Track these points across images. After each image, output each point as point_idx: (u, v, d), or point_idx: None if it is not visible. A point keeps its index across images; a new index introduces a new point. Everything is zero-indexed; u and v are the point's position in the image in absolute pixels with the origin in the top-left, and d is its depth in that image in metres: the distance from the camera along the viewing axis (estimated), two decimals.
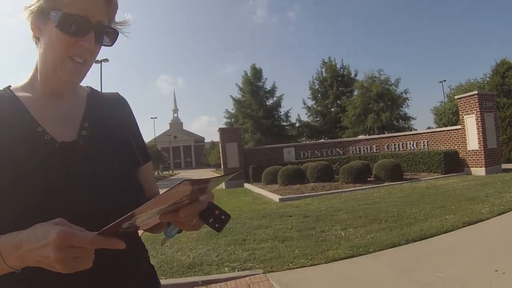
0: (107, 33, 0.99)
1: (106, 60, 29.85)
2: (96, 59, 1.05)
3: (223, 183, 18.55)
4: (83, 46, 0.92)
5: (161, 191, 0.74)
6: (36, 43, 0.98)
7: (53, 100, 0.99)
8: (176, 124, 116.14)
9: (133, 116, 1.17)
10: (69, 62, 0.93)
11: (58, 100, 1.00)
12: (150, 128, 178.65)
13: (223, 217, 0.85)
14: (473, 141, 14.36)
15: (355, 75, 36.84)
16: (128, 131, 1.10)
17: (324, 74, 37.70)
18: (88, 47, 0.92)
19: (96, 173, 0.91)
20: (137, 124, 1.17)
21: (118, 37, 1.03)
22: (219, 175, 0.86)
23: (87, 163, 0.91)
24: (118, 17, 1.05)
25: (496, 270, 3.98)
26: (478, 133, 14.11)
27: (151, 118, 74.56)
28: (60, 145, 0.90)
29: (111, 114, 1.08)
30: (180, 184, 0.68)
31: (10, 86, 1.01)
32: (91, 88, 1.13)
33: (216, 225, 0.84)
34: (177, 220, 0.83)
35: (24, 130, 0.90)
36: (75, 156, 0.91)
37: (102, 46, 1.01)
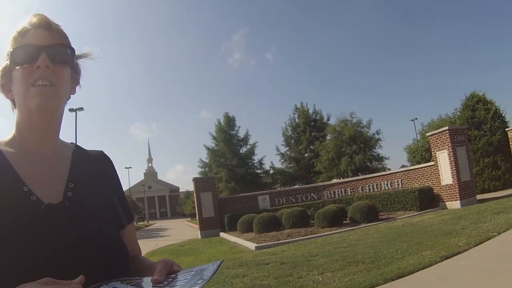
0: (61, 51, 0.97)
1: (81, 109, 29.56)
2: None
3: (199, 232, 18.30)
4: (40, 67, 0.91)
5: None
6: (13, 109, 1.00)
7: (37, 157, 0.96)
8: (150, 174, 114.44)
9: (117, 175, 1.16)
10: (34, 88, 0.91)
11: (43, 158, 0.97)
12: (125, 177, 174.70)
13: None
14: (446, 176, 14.63)
15: (328, 119, 37.52)
16: (113, 192, 1.08)
17: (297, 120, 38.19)
18: (42, 64, 0.91)
19: (81, 235, 0.88)
20: (120, 184, 1.16)
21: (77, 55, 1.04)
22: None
23: (72, 225, 0.88)
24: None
25: None
26: (451, 168, 14.41)
27: (126, 168, 72.96)
28: (46, 207, 0.88)
29: (96, 174, 1.06)
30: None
31: None
32: (75, 145, 1.12)
33: None
34: None
35: (9, 188, 0.87)
36: (61, 219, 0.88)
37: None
